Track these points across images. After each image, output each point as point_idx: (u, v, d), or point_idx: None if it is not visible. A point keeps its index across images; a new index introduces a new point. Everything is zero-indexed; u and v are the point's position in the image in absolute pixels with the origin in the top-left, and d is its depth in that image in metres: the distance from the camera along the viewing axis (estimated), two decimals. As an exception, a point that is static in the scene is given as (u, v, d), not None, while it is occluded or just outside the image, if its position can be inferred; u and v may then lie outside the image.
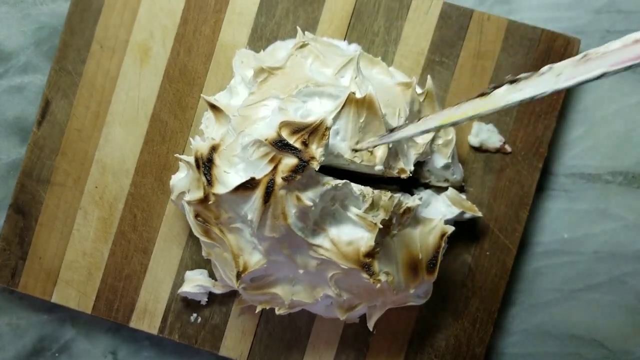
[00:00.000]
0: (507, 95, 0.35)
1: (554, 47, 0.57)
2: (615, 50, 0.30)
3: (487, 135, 0.57)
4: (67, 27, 0.59)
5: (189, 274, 0.58)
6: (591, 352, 0.60)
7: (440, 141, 0.55)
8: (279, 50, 0.55)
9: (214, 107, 0.52)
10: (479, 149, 0.58)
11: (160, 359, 0.62)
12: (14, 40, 0.62)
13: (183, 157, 0.53)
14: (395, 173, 0.50)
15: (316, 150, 0.46)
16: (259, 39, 0.58)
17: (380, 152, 0.49)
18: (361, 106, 0.47)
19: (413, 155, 0.52)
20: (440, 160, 0.55)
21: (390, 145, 0.50)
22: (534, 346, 0.61)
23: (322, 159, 0.46)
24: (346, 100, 0.47)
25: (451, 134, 0.55)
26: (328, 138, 0.46)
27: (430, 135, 0.53)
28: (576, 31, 0.60)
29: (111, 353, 0.63)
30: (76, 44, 0.59)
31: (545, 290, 0.61)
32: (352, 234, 0.48)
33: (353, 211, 0.48)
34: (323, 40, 0.55)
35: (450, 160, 0.55)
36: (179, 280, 0.59)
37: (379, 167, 0.49)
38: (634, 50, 0.29)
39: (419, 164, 0.55)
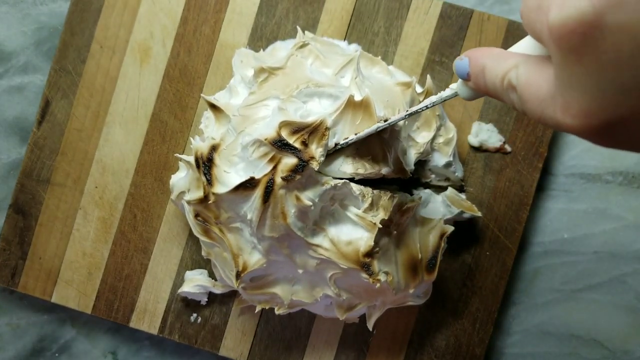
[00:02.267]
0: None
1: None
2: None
3: (487, 135, 0.57)
4: (67, 27, 0.59)
5: (189, 274, 0.58)
6: (591, 352, 0.60)
7: (441, 140, 0.55)
8: (279, 50, 0.55)
9: (213, 107, 0.52)
10: (478, 149, 0.58)
11: (160, 359, 0.62)
12: (14, 40, 0.62)
13: (183, 156, 0.53)
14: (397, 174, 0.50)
15: (316, 150, 0.46)
16: (259, 39, 0.58)
17: (381, 154, 0.49)
18: (358, 108, 0.47)
19: (414, 154, 0.52)
20: (441, 158, 0.55)
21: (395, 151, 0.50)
22: (534, 346, 0.61)
23: (322, 159, 0.46)
24: (346, 103, 0.47)
25: (452, 132, 0.55)
26: (327, 138, 0.46)
27: (430, 134, 0.53)
28: (576, 31, 0.60)
29: (111, 353, 0.63)
30: (76, 44, 0.59)
31: (545, 290, 0.61)
32: (351, 234, 0.48)
33: (352, 211, 0.48)
34: (323, 40, 0.55)
35: (451, 159, 0.55)
36: (179, 280, 0.59)
37: (385, 170, 0.49)
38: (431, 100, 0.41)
39: (420, 163, 0.55)
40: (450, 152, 0.55)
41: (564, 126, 0.26)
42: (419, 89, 0.54)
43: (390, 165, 0.49)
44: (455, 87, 0.38)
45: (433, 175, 0.56)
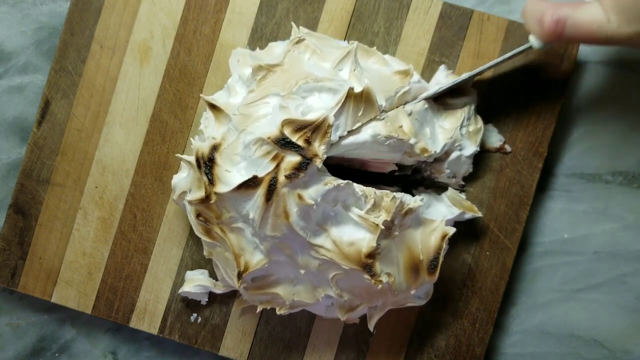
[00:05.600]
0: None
1: (553, 47, 0.57)
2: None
3: (487, 135, 0.57)
4: (67, 27, 0.59)
5: (189, 274, 0.58)
6: (591, 352, 0.60)
7: (471, 128, 0.55)
8: (276, 48, 0.55)
9: (213, 107, 0.52)
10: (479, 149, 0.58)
11: (160, 359, 0.63)
12: (14, 40, 0.62)
13: (184, 156, 0.53)
14: (419, 153, 0.51)
15: (319, 147, 0.46)
16: (259, 39, 0.58)
17: (407, 125, 0.50)
18: (359, 100, 0.48)
19: (443, 139, 0.53)
20: (471, 147, 0.55)
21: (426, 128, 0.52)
22: (534, 346, 0.61)
23: (325, 156, 0.46)
24: (346, 96, 0.48)
25: (480, 123, 0.55)
26: (330, 135, 0.46)
27: (457, 122, 0.54)
28: (576, 31, 0.60)
29: (111, 353, 0.63)
30: (76, 44, 0.59)
31: (545, 290, 0.61)
32: (353, 235, 0.48)
33: (355, 212, 0.48)
34: (318, 35, 0.55)
35: (479, 149, 0.55)
36: (179, 280, 0.59)
37: (413, 140, 0.50)
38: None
39: (426, 163, 0.55)
40: (478, 142, 0.55)
41: (621, 34, 0.45)
42: (416, 77, 0.54)
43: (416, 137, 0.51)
44: (530, 38, 0.50)
45: (448, 170, 0.56)
